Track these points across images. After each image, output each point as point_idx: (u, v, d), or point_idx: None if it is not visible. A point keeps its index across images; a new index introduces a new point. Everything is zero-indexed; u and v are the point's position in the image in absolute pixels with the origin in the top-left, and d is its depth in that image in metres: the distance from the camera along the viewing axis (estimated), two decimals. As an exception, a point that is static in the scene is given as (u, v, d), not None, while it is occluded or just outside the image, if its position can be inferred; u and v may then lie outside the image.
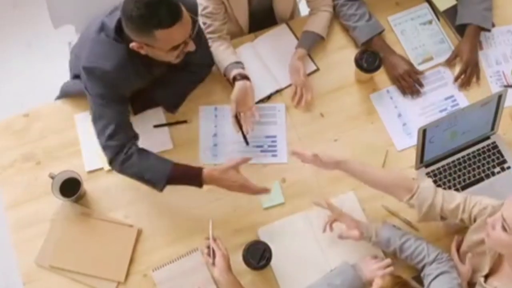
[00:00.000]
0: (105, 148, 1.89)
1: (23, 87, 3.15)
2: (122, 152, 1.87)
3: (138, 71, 1.88)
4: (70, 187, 1.96)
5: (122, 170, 1.90)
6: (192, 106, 2.15)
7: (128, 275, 1.94)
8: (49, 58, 3.19)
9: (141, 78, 1.94)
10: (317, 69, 2.23)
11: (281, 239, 1.96)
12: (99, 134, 1.89)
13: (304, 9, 2.39)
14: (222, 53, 2.14)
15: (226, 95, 2.18)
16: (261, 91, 2.18)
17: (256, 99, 2.16)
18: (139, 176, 1.90)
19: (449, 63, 2.20)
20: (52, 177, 1.96)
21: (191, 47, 1.80)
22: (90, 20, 2.01)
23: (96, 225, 1.99)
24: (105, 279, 1.93)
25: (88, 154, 2.09)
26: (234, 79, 2.07)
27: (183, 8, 1.70)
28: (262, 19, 2.30)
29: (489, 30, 2.22)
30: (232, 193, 2.03)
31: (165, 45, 1.73)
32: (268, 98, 2.18)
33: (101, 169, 2.07)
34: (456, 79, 2.18)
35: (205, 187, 2.01)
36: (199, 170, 1.89)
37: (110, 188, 2.05)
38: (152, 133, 2.11)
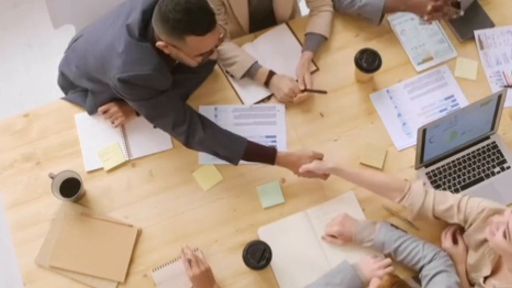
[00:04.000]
0: (175, 137, 1.98)
1: (23, 87, 3.15)
2: (193, 133, 1.92)
3: (167, 64, 1.89)
4: (70, 187, 1.96)
5: (198, 149, 1.99)
6: (192, 106, 2.14)
7: (128, 275, 1.94)
8: (49, 58, 3.19)
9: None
10: (317, 69, 2.23)
11: (281, 239, 1.96)
12: (163, 128, 1.96)
13: (304, 9, 2.39)
14: (239, 55, 2.16)
15: (226, 95, 2.18)
16: (261, 91, 2.18)
17: (256, 99, 2.17)
18: (215, 153, 1.97)
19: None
20: (52, 177, 1.96)
21: (215, 56, 1.83)
22: (85, 35, 2.02)
23: (96, 225, 1.99)
24: (105, 279, 1.93)
25: (88, 154, 2.09)
26: (269, 76, 2.14)
27: (216, 18, 1.72)
28: (262, 19, 2.30)
29: None
30: (232, 193, 2.03)
31: (194, 51, 1.75)
32: (268, 98, 2.18)
33: (101, 169, 2.07)
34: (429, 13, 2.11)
35: (205, 187, 2.05)
36: (272, 153, 1.96)
37: (110, 188, 2.05)
38: (152, 133, 2.11)
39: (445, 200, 1.80)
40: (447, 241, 1.84)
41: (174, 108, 1.91)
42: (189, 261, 1.83)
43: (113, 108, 2.09)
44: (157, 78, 1.82)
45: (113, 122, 2.10)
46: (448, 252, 1.82)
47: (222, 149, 1.95)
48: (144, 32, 1.79)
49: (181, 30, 1.68)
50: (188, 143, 1.95)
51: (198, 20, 1.67)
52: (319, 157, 1.98)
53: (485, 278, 1.71)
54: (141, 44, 1.78)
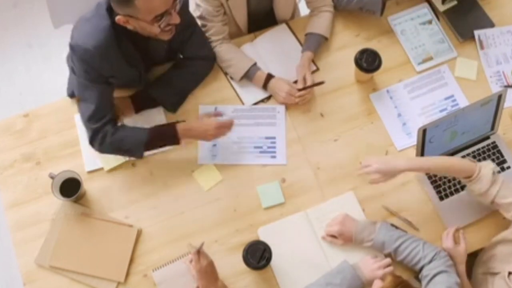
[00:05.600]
0: (86, 127, 1.97)
1: (23, 87, 3.15)
2: (99, 134, 1.93)
3: (126, 55, 1.89)
4: (70, 187, 1.96)
5: (101, 151, 1.98)
6: (192, 106, 2.15)
7: (128, 275, 1.94)
8: (49, 58, 3.20)
9: (131, 64, 1.94)
10: (317, 69, 2.23)
11: (281, 239, 1.96)
12: (82, 114, 1.95)
13: (304, 9, 2.39)
14: (236, 57, 2.16)
15: (226, 95, 2.18)
16: (261, 91, 2.18)
17: (256, 100, 2.17)
18: (118, 150, 1.98)
19: None
20: (52, 177, 1.96)
21: (175, 19, 1.80)
22: None
23: (96, 225, 1.99)
24: (105, 279, 1.93)
25: (88, 154, 2.09)
26: (267, 79, 2.14)
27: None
28: (261, 20, 2.30)
29: None
30: (232, 193, 2.04)
31: (147, 14, 1.74)
32: (268, 98, 2.18)
33: (101, 169, 2.07)
34: None
35: (205, 187, 2.04)
36: (173, 126, 1.96)
37: (110, 188, 2.05)
38: (152, 133, 2.11)
39: (508, 195, 1.76)
40: (448, 242, 1.84)
41: (99, 104, 1.91)
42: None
43: None
44: (96, 57, 1.82)
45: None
46: (448, 253, 1.82)
47: (124, 143, 1.95)
48: (110, 12, 1.80)
49: None
50: (91, 142, 1.95)
51: None
52: (218, 115, 2.01)
53: (510, 273, 1.68)
54: (102, 22, 1.80)
